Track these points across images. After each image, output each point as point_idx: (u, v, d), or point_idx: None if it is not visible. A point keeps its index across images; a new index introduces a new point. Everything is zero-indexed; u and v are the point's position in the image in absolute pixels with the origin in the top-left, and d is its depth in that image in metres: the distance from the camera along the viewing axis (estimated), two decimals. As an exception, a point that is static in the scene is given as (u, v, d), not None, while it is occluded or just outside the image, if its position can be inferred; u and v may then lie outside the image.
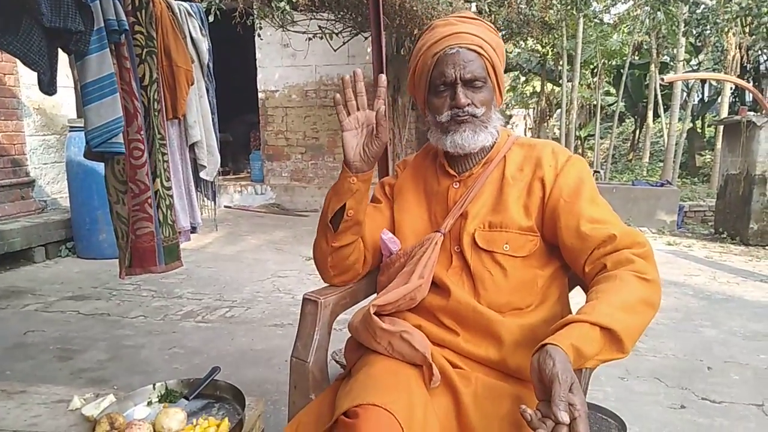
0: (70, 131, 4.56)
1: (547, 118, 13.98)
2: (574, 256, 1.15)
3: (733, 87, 9.80)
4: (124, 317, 3.23)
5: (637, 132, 13.12)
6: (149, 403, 1.25)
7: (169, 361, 2.62)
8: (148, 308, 3.39)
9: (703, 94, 12.90)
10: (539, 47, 11.30)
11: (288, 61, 7.23)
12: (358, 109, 1.16)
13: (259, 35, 6.15)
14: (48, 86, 1.83)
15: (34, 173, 5.09)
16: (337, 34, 5.98)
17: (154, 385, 1.28)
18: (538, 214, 1.18)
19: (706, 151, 11.35)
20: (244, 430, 1.14)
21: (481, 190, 1.23)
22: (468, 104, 1.17)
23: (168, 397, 1.26)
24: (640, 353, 2.70)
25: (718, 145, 7.93)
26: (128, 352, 2.74)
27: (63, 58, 1.95)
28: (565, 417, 0.81)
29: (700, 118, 12.49)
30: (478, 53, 1.18)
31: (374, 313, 1.13)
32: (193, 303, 3.50)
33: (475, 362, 1.13)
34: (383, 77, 1.13)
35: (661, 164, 9.69)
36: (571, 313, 1.27)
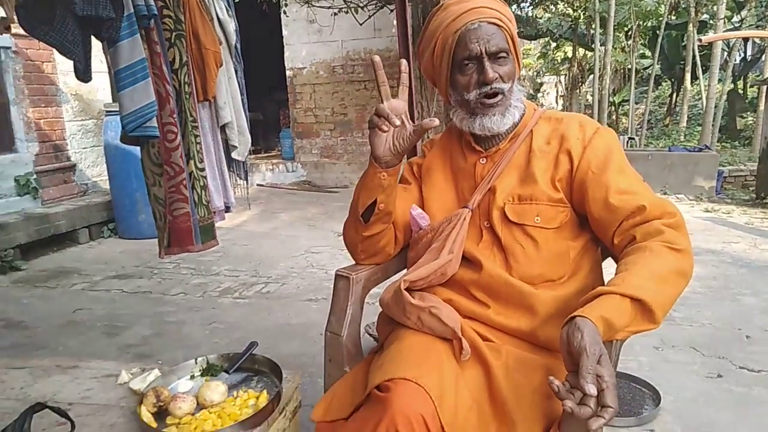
0: (107, 115, 4.68)
1: (579, 84, 13.58)
2: (603, 227, 1.14)
3: (779, 44, 9.31)
4: (165, 295, 3.36)
5: (674, 96, 12.64)
6: (192, 377, 1.31)
7: (210, 336, 2.72)
8: (187, 286, 3.51)
9: (745, 53, 12.29)
10: (570, 11, 10.92)
11: (314, 37, 7.20)
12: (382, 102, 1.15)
13: (285, 12, 6.15)
14: (84, 73, 1.89)
15: (75, 157, 5.26)
16: (362, 8, 5.92)
17: (196, 359, 1.34)
18: (566, 186, 1.18)
19: (748, 113, 10.87)
20: (282, 401, 1.19)
21: (509, 165, 1.23)
22: (496, 78, 1.17)
23: (209, 371, 1.32)
24: (676, 322, 2.67)
25: (761, 106, 7.59)
26: (171, 328, 2.86)
27: (97, 44, 2.00)
28: (592, 389, 0.82)
29: (741, 78, 11.94)
30: (499, 26, 1.17)
31: (405, 289, 1.15)
32: (230, 280, 3.61)
33: (505, 334, 1.15)
34: (405, 63, 1.12)
35: (700, 128, 9.34)
36: (603, 284, 1.27)
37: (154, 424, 1.06)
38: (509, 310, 1.15)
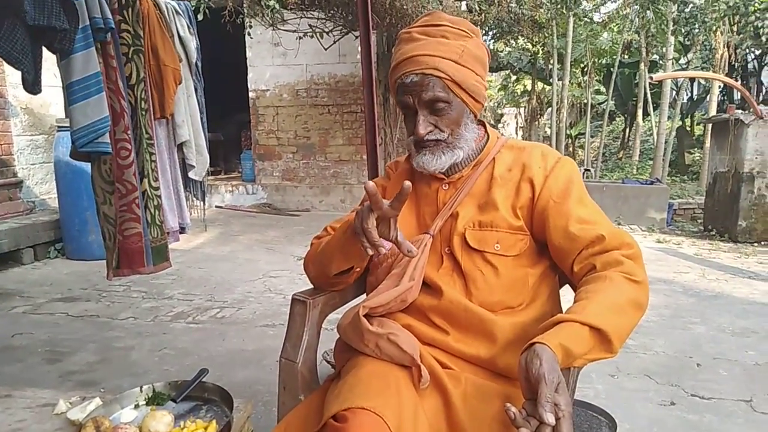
0: (58, 131, 4.52)
1: (538, 116, 14.02)
2: (563, 256, 1.15)
3: (722, 85, 9.87)
4: (113, 319, 3.20)
5: (627, 130, 13.19)
6: (136, 406, 1.23)
7: (159, 363, 2.60)
8: (138, 309, 3.37)
9: (692, 92, 13.00)
10: (530, 46, 11.34)
11: (279, 60, 7.20)
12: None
13: (249, 34, 6.12)
14: (32, 85, 1.81)
15: (22, 174, 5.03)
16: (327, 33, 5.96)
17: (141, 387, 1.27)
18: (527, 214, 1.18)
19: (696, 149, 11.43)
20: (234, 431, 1.13)
21: (470, 192, 1.23)
22: (430, 131, 1.16)
23: (155, 400, 1.25)
24: (630, 350, 2.71)
25: (707, 143, 7.98)
26: (118, 354, 2.72)
27: (50, 57, 1.93)
28: (550, 418, 0.81)
29: (689, 116, 12.58)
30: (436, 76, 1.13)
31: (364, 315, 1.12)
32: (183, 304, 3.48)
33: (464, 362, 1.13)
34: (408, 184, 0.97)
35: (651, 162, 9.75)
36: (561, 311, 1.27)
37: (90, 459, 0.99)
38: (469, 338, 1.13)
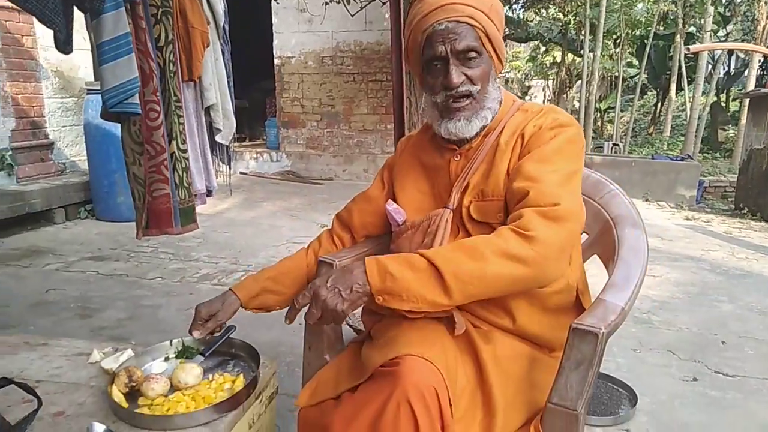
0: (88, 94, 4.57)
1: (567, 89, 13.71)
2: (506, 214, 1.11)
3: (762, 59, 9.49)
4: (142, 278, 3.29)
5: (659, 105, 12.82)
6: (166, 359, 1.27)
7: (186, 322, 2.62)
8: (165, 270, 3.45)
9: (729, 66, 12.52)
10: (561, 15, 11.00)
11: (304, 26, 7.12)
12: None
13: (275, -1, 6.06)
14: (64, 45, 1.82)
15: (53, 135, 5.12)
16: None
17: (171, 341, 1.30)
18: None
19: (730, 125, 11.08)
20: (259, 387, 1.15)
21: (481, 161, 1.19)
22: (462, 82, 1.12)
23: (184, 354, 1.28)
24: (654, 326, 2.69)
25: (743, 119, 7.73)
26: (146, 311, 2.80)
27: (79, 18, 1.93)
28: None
29: (724, 91, 12.16)
30: (470, 24, 1.10)
31: None
32: (209, 266, 3.55)
33: (491, 325, 1.13)
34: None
35: (683, 138, 9.49)
36: (585, 279, 1.26)
37: (125, 405, 1.02)
38: (490, 309, 1.13)
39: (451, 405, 0.92)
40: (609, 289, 1.12)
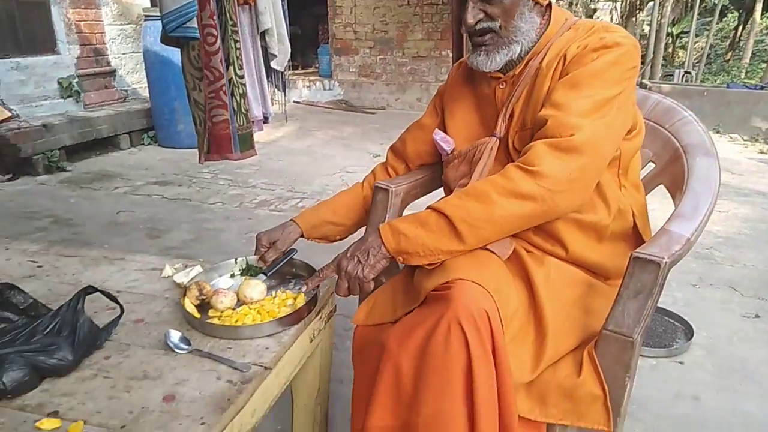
0: (146, 20, 4.61)
1: (637, 12, 12.71)
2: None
3: None
4: (203, 203, 3.43)
5: (740, 28, 11.74)
6: (232, 276, 1.34)
7: (247, 244, 2.78)
8: (225, 195, 3.58)
9: (827, -17, 11.19)
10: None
11: (358, -54, 6.83)
12: None
13: None
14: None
15: (115, 63, 5.25)
16: None
17: (236, 259, 1.37)
18: None
19: (821, 51, 10.06)
20: (318, 304, 1.21)
21: (525, 88, 1.14)
22: (479, 19, 1.08)
23: (248, 271, 1.35)
24: (716, 262, 2.61)
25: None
26: (209, 234, 2.94)
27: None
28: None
29: (819, 12, 10.95)
30: None
31: None
32: (266, 193, 3.65)
33: (546, 253, 1.13)
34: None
35: (764, 66, 8.74)
36: (644, 208, 1.22)
37: (197, 315, 1.10)
38: (543, 237, 1.12)
39: (502, 326, 0.94)
40: (675, 219, 1.09)
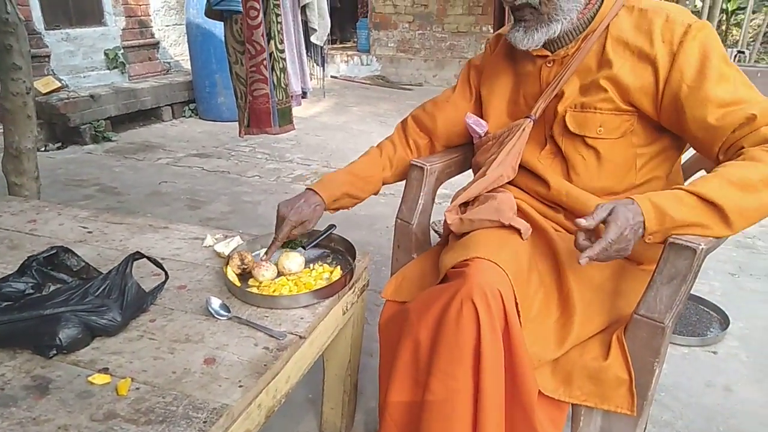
0: (188, -7, 4.67)
1: (691, -13, 12.12)
2: (706, 147, 1.04)
3: None
4: (242, 176, 3.51)
5: (802, 6, 11.08)
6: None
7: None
8: (262, 169, 3.65)
9: None
10: None
11: None
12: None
13: None
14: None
15: (158, 35, 5.35)
16: None
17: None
18: (649, 102, 1.05)
19: None
20: (353, 278, 1.24)
21: (578, 69, 1.11)
22: None
23: (288, 244, 1.38)
24: (757, 251, 2.53)
25: None
26: (247, 206, 3.01)
27: None
28: (584, 222, 0.89)
29: None
30: None
31: (462, 204, 1.20)
32: (302, 167, 3.70)
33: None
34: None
35: (826, 46, 8.25)
36: None
37: (238, 284, 1.15)
38: (573, 220, 1.12)
39: (517, 307, 0.95)
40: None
